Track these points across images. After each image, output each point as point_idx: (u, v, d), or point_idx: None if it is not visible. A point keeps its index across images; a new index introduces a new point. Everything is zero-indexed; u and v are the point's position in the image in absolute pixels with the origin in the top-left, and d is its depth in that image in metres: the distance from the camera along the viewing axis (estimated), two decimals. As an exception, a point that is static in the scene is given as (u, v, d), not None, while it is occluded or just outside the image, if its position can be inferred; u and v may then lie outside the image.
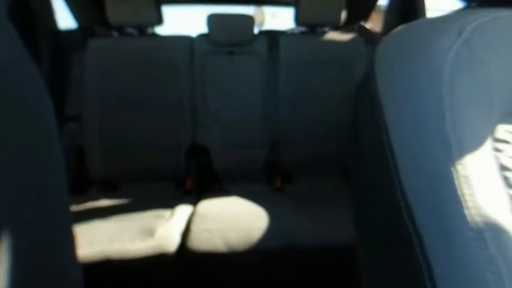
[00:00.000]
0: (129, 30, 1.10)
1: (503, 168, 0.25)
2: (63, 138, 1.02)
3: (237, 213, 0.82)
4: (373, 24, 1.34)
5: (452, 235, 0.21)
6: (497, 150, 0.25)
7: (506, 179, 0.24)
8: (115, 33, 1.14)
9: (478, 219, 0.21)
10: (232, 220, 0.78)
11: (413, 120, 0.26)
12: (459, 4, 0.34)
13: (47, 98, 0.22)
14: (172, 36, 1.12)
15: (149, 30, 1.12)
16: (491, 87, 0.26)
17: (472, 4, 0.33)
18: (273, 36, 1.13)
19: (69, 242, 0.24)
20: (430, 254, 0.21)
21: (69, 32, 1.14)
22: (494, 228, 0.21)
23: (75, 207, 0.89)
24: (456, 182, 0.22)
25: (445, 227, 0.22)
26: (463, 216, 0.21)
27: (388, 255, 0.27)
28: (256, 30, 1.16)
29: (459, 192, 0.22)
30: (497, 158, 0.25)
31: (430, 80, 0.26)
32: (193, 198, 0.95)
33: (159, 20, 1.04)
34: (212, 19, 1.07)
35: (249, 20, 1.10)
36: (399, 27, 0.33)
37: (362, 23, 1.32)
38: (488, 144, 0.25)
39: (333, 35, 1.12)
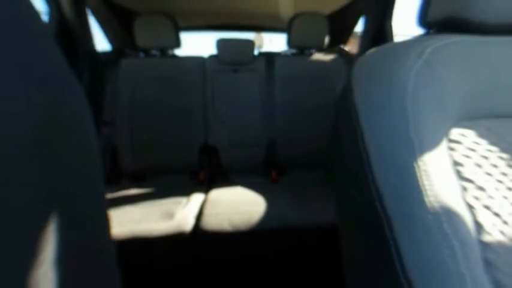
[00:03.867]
0: (153, 52, 1.10)
1: (456, 163, 0.25)
2: (100, 138, 1.02)
3: (240, 200, 0.82)
4: (351, 47, 1.34)
5: (415, 218, 0.21)
6: (451, 149, 0.25)
7: (458, 172, 0.24)
8: (142, 54, 1.15)
9: (435, 205, 0.21)
10: (236, 206, 0.78)
11: (384, 125, 0.26)
12: (420, 31, 0.34)
13: (87, 107, 0.22)
14: (188, 57, 1.12)
15: (169, 52, 1.12)
16: (446, 99, 0.26)
17: (431, 31, 0.33)
18: (269, 56, 1.14)
19: (104, 219, 0.24)
20: (397, 233, 0.21)
21: (105, 53, 1.15)
22: (449, 213, 0.21)
23: (109, 195, 0.88)
24: (418, 175, 0.22)
25: (409, 212, 0.21)
26: (424, 202, 0.21)
27: (363, 234, 0.27)
28: (256, 52, 1.16)
29: (420, 183, 0.22)
30: (451, 155, 0.25)
31: (397, 93, 0.26)
32: (205, 188, 0.95)
33: (178, 44, 1.05)
34: (221, 43, 1.09)
35: (250, 44, 1.11)
36: (371, 50, 0.33)
37: (342, 46, 1.32)
38: (444, 144, 0.25)
39: (318, 56, 1.14)
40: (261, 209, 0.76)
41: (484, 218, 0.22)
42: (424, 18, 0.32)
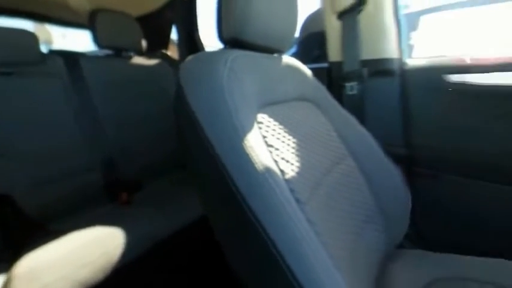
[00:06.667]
0: None
1: (263, 137, 0.36)
2: None
3: (80, 247, 0.60)
4: (172, 52, 1.39)
5: (253, 179, 0.29)
6: (260, 128, 0.37)
7: (266, 142, 0.36)
8: None
9: (261, 167, 0.30)
10: (76, 258, 0.56)
11: (216, 119, 0.32)
12: (221, 45, 0.44)
13: None
14: None
15: None
16: (248, 94, 0.36)
17: (227, 46, 0.43)
18: (69, 56, 0.86)
19: None
20: (247, 198, 0.28)
21: None
22: (268, 169, 0.30)
23: None
24: (247, 150, 0.30)
25: (248, 177, 0.29)
26: (255, 168, 0.29)
27: (225, 208, 0.32)
28: (44, 49, 0.82)
29: (250, 156, 0.30)
30: (260, 132, 0.36)
31: (218, 93, 0.33)
32: (7, 258, 0.57)
33: None
34: None
35: (32, 37, 0.77)
36: (190, 57, 0.38)
37: (164, 51, 1.33)
38: (255, 125, 0.35)
39: (140, 59, 1.05)
40: (118, 241, 0.61)
41: (284, 166, 0.35)
42: (220, 36, 0.42)
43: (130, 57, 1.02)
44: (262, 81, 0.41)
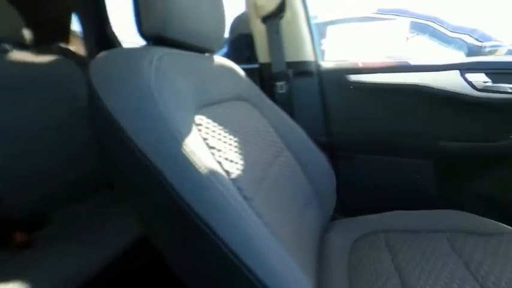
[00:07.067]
0: None
1: (204, 139, 0.35)
2: None
3: None
4: (77, 47, 1.13)
5: (198, 184, 0.27)
6: (199, 130, 0.35)
7: (207, 145, 0.35)
8: None
9: (205, 171, 0.28)
10: None
11: (146, 126, 0.28)
12: (143, 41, 0.40)
13: None
14: None
15: None
16: (182, 95, 0.34)
17: (150, 43, 0.39)
18: None
19: None
20: (190, 201, 0.26)
21: None
22: (213, 172, 0.30)
23: None
24: (188, 156, 0.28)
25: (192, 182, 0.27)
26: (198, 172, 0.28)
27: (169, 223, 0.29)
28: None
29: (192, 160, 0.28)
30: (200, 134, 0.35)
31: (146, 96, 0.29)
32: None
33: None
34: None
35: None
36: (104, 54, 0.32)
37: (64, 45, 1.06)
38: (194, 127, 0.33)
39: (27, 55, 0.78)
40: None
41: (229, 166, 0.35)
42: (141, 33, 0.38)
43: (6, 51, 0.75)
44: (197, 82, 0.39)
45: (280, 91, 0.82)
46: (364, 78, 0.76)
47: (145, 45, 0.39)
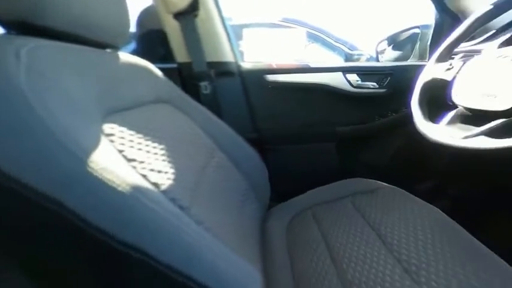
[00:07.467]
0: None
1: (119, 151, 0.29)
2: None
3: None
4: None
5: (119, 207, 0.23)
6: (111, 141, 0.29)
7: (125, 157, 0.29)
8: None
9: (127, 189, 0.24)
10: None
11: (28, 149, 0.20)
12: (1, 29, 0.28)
13: None
14: None
15: None
16: (77, 101, 0.27)
17: (12, 32, 0.29)
18: None
19: None
20: (112, 231, 0.21)
21: None
22: (139, 190, 0.25)
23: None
24: (97, 175, 0.22)
25: (111, 207, 0.22)
26: (118, 192, 0.23)
27: (85, 264, 0.23)
28: None
29: (103, 179, 0.22)
30: (114, 145, 0.29)
31: (17, 106, 0.21)
32: None
33: None
34: None
35: None
36: None
37: None
38: (104, 139, 0.27)
39: None
40: None
41: (156, 178, 0.31)
42: None
43: None
44: (100, 83, 0.32)
45: (205, 91, 0.80)
46: (279, 78, 0.86)
47: (4, 35, 0.28)
